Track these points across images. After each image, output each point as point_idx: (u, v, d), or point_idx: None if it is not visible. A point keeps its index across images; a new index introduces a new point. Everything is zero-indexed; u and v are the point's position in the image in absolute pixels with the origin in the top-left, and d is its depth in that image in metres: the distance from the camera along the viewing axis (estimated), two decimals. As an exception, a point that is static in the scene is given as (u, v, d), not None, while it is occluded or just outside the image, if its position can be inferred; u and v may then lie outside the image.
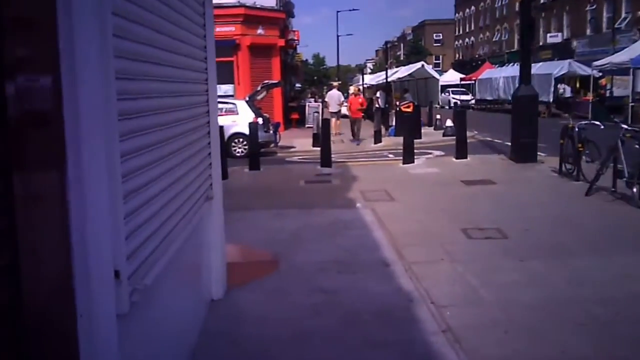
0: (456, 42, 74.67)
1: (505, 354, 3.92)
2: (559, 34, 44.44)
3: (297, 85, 48.73)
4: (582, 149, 10.16)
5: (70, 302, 1.97)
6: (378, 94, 32.62)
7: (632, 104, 23.85)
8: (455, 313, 4.55)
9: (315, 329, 4.34)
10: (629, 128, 9.17)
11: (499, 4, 58.85)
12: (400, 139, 14.37)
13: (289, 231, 7.24)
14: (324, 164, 13.01)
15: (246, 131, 14.95)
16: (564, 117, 20.48)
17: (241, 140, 17.04)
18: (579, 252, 6.10)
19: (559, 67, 32.68)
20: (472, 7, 67.68)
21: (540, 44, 44.54)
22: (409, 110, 20.45)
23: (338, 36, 55.61)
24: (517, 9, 48.87)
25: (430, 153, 16.02)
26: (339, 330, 4.32)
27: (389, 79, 41.79)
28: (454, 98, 45.56)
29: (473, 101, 44.69)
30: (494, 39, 59.64)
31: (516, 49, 47.92)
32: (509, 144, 13.62)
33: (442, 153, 15.76)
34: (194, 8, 4.12)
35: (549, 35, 45.15)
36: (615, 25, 34.78)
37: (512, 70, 34.63)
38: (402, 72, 49.64)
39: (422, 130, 20.74)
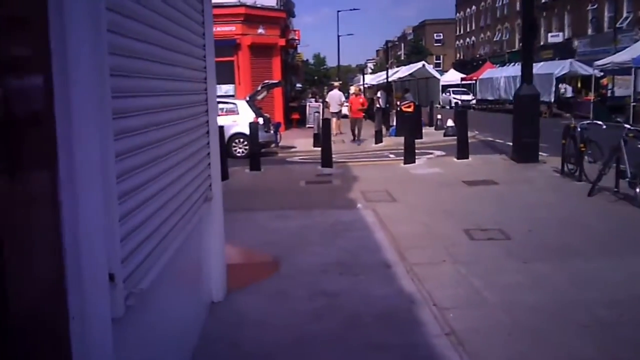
0: (457, 42, 74.64)
1: (509, 357, 3.86)
2: (560, 34, 44.38)
3: (298, 85, 48.74)
4: (584, 149, 10.11)
5: (62, 305, 1.92)
6: (379, 94, 32.56)
7: (634, 103, 23.77)
8: (459, 315, 4.49)
9: (316, 332, 4.28)
10: (632, 128, 9.11)
11: (500, 3, 58.79)
12: (401, 139, 14.33)
13: (289, 232, 7.18)
14: (325, 164, 12.97)
15: (247, 131, 14.90)
16: (565, 117, 20.43)
17: (242, 140, 16.99)
18: (583, 253, 6.04)
19: (560, 67, 32.61)
20: (473, 7, 67.64)
21: (542, 43, 44.46)
22: (410, 110, 20.40)
23: (339, 36, 56.05)
24: (518, 8, 48.96)
25: (431, 153, 15.97)
26: (341, 333, 4.26)
27: (389, 79, 41.73)
28: (454, 98, 45.54)
29: (474, 101, 44.67)
30: (494, 39, 59.59)
31: (517, 49, 47.90)
32: (510, 144, 13.58)
33: (443, 153, 15.71)
34: (192, 5, 4.05)
35: (550, 34, 45.11)
36: (617, 25, 34.71)
37: (513, 70, 34.58)
38: (403, 72, 49.58)
39: (423, 130, 20.71)
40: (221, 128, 9.69)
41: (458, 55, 73.80)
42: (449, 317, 4.46)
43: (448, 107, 42.45)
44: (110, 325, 2.15)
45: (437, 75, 50.48)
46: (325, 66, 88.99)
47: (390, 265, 5.79)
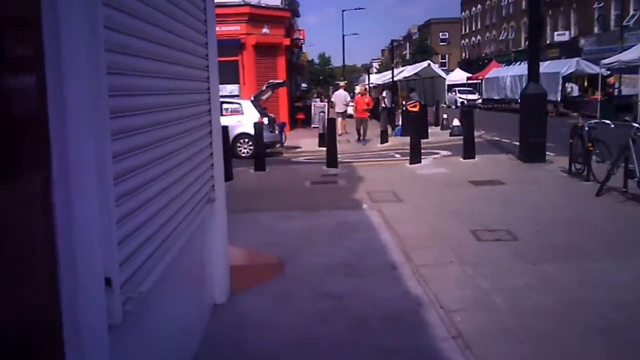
0: (462, 41, 74.42)
1: (518, 361, 3.79)
2: (567, 32, 44.19)
3: (303, 85, 48.68)
4: (592, 149, 10.00)
5: (55, 310, 1.85)
6: (384, 94, 32.41)
7: (641, 102, 23.60)
8: (466, 318, 4.42)
9: (321, 335, 4.21)
10: (641, 127, 8.99)
11: (505, 2, 58.58)
12: (407, 139, 14.25)
13: (294, 233, 7.11)
14: (330, 165, 12.89)
15: (251, 131, 14.85)
16: (572, 116, 20.25)
17: (246, 140, 16.94)
18: (591, 254, 5.95)
19: (567, 66, 32.42)
20: (479, 6, 67.42)
21: (548, 42, 44.27)
22: (416, 109, 20.33)
23: (344, 35, 55.37)
24: (523, 7, 48.79)
25: (437, 153, 15.88)
26: (346, 336, 4.19)
27: (395, 79, 41.58)
28: (460, 97, 45.39)
29: (480, 100, 44.48)
30: (500, 38, 59.38)
31: (523, 48, 47.75)
32: (517, 143, 13.46)
33: (450, 153, 15.64)
34: (194, 3, 3.99)
35: (556, 33, 44.91)
36: (624, 23, 34.53)
37: (519, 69, 34.42)
38: (408, 71, 49.35)
39: (429, 130, 20.59)
40: (226, 128, 9.72)
41: (464, 54, 73.59)
42: (456, 319, 4.38)
43: (454, 106, 42.28)
44: (106, 332, 2.07)
45: (442, 74, 50.25)
46: (330, 66, 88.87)
47: (396, 266, 5.72)
